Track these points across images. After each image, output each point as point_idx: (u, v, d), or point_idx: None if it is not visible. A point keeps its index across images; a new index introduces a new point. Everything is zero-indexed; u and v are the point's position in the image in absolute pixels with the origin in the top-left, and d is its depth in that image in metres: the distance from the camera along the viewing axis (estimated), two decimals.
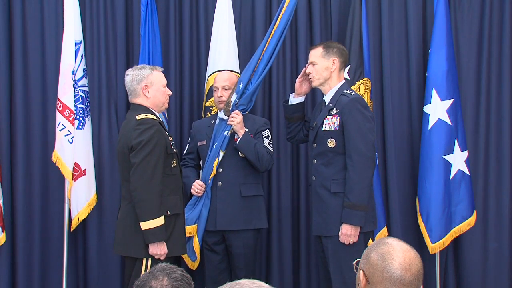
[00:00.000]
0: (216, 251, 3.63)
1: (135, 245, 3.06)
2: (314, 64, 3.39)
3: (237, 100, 3.55)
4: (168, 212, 3.09)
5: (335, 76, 3.38)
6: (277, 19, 3.58)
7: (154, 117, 3.15)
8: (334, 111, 3.30)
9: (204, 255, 3.67)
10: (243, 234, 3.58)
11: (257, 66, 3.57)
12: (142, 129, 3.04)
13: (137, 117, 3.08)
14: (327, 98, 3.39)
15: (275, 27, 3.56)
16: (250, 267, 3.63)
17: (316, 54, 3.39)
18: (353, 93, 3.36)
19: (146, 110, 3.16)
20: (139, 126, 3.05)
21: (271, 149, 3.66)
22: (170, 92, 3.29)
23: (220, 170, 3.59)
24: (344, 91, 3.33)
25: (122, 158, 3.15)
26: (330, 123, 3.30)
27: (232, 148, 3.58)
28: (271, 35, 3.56)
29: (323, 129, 3.32)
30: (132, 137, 3.05)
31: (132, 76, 3.19)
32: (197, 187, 3.59)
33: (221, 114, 3.65)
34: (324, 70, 3.37)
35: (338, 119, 3.27)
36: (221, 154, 3.56)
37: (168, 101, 3.31)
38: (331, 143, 3.29)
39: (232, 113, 3.55)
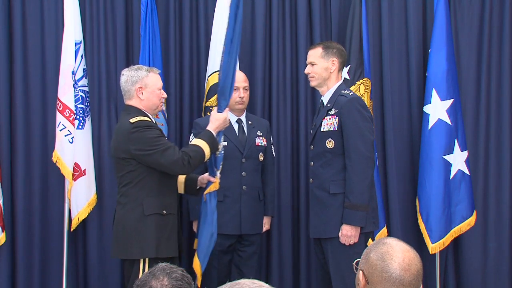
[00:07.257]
0: (230, 252, 3.65)
1: (130, 247, 3.03)
2: (313, 65, 3.36)
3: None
4: (164, 211, 3.07)
5: (334, 77, 3.34)
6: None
7: (147, 118, 3.10)
8: (333, 111, 3.26)
9: (215, 256, 3.57)
10: (258, 236, 3.72)
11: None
12: (140, 131, 3.00)
13: (131, 120, 3.02)
14: (325, 99, 3.36)
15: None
16: (258, 266, 3.78)
17: (316, 54, 3.35)
18: (351, 93, 3.34)
19: (139, 112, 3.10)
20: (134, 128, 3.00)
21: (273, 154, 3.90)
22: (165, 95, 3.25)
23: (244, 174, 3.62)
24: (342, 91, 3.30)
25: (116, 162, 3.13)
26: (329, 123, 3.27)
27: (253, 152, 3.65)
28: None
29: (322, 129, 3.29)
30: (129, 142, 3.00)
31: (127, 76, 3.14)
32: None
33: None
34: (323, 70, 3.32)
35: (336, 120, 3.23)
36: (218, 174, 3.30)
37: (162, 103, 3.28)
38: (329, 143, 3.26)
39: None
